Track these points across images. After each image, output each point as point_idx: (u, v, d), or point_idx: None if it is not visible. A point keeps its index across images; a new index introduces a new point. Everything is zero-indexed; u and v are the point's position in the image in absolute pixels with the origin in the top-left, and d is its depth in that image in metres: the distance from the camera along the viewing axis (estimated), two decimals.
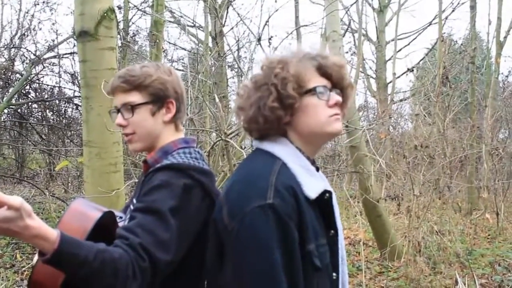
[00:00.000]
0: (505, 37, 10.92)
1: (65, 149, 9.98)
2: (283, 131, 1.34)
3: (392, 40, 13.45)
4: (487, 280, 4.82)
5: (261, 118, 1.31)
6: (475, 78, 9.85)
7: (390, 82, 13.53)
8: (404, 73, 13.71)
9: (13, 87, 9.78)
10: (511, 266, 5.30)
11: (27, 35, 11.07)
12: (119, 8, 8.65)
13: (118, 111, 1.51)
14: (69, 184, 9.76)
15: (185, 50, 12.17)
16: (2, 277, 4.80)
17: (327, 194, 1.32)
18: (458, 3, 11.88)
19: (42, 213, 7.42)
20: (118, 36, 6.59)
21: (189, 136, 1.73)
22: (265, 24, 5.69)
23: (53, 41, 11.17)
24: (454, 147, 8.53)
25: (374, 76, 14.60)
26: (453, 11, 12.24)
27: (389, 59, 13.74)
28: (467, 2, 10.73)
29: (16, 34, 11.43)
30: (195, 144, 1.56)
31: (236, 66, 11.38)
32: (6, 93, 9.70)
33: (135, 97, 1.48)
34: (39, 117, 11.02)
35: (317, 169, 1.39)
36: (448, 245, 5.43)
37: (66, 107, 10.96)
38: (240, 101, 1.39)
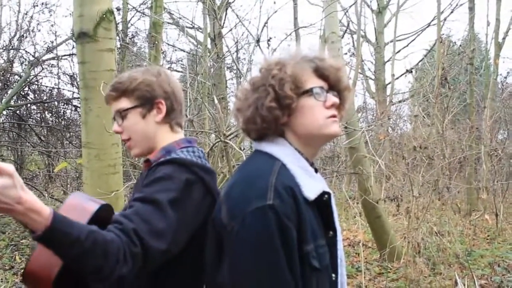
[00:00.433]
0: (504, 38, 10.94)
1: (64, 150, 9.97)
2: (281, 131, 1.35)
3: (391, 41, 13.47)
4: (486, 281, 4.82)
5: (259, 118, 1.32)
6: (473, 79, 9.86)
7: (389, 83, 13.55)
8: (403, 74, 13.72)
9: (12, 88, 9.76)
10: (510, 267, 5.30)
11: (26, 37, 11.03)
12: (118, 9, 8.65)
13: (115, 119, 1.55)
14: (68, 186, 9.75)
15: (184, 51, 12.15)
16: (1, 279, 4.79)
17: (326, 196, 1.32)
18: (457, 5, 11.97)
19: None
20: (117, 38, 6.59)
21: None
22: (264, 26, 5.71)
23: (52, 42, 11.14)
24: (453, 148, 8.54)
25: (373, 77, 14.63)
26: (451, 12, 12.32)
27: (388, 60, 13.77)
28: (465, 3, 10.74)
29: (15, 35, 11.38)
30: (196, 144, 1.57)
31: (235, 67, 11.39)
32: (5, 95, 9.69)
33: (124, 103, 1.52)
34: (38, 118, 11.00)
35: (316, 171, 1.40)
36: (447, 246, 5.43)
37: (65, 108, 10.94)
38: (238, 103, 1.40)
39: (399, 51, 13.89)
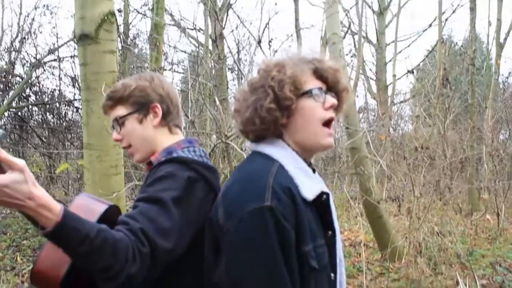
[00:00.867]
0: (505, 39, 10.96)
1: (66, 152, 9.98)
2: (279, 133, 1.35)
3: (392, 42, 13.49)
4: (488, 281, 4.82)
5: (258, 119, 1.32)
6: (475, 80, 9.85)
7: (390, 84, 13.56)
8: (404, 74, 13.78)
9: (14, 90, 9.79)
10: (511, 267, 5.30)
11: (28, 39, 11.06)
12: (120, 11, 8.68)
13: (113, 127, 1.57)
14: (70, 187, 9.76)
15: (185, 53, 12.20)
16: (3, 280, 4.80)
17: (325, 196, 1.33)
18: (458, 5, 11.96)
19: None
20: (118, 39, 6.61)
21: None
22: (265, 27, 5.72)
23: (54, 44, 11.17)
24: (455, 149, 8.53)
25: (374, 78, 14.62)
26: (453, 12, 12.37)
27: (389, 61, 13.78)
28: (467, 3, 10.75)
29: (16, 37, 11.42)
30: (197, 144, 1.58)
31: (236, 68, 11.39)
32: (7, 96, 9.72)
33: (120, 111, 1.53)
34: (40, 120, 11.02)
35: (314, 171, 1.40)
36: (449, 246, 5.42)
37: (66, 110, 10.97)
38: (236, 104, 1.40)
39: (400, 52, 13.93)
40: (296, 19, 12.28)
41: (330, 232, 1.34)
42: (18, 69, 11.06)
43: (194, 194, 1.36)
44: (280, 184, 1.23)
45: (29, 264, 5.30)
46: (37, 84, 10.50)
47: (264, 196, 1.20)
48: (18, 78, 10.56)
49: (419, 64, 14.71)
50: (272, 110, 1.30)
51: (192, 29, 11.20)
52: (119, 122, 1.53)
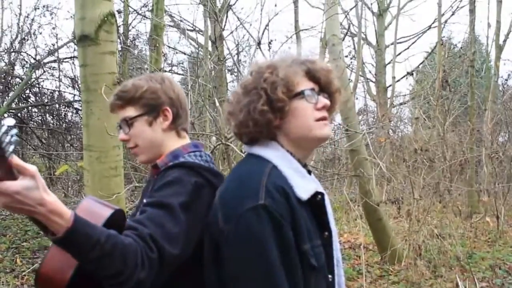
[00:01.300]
0: (505, 41, 10.97)
1: (65, 153, 9.97)
2: (273, 134, 1.36)
3: (392, 43, 13.49)
4: (487, 284, 4.82)
5: (251, 121, 1.32)
6: (474, 82, 9.86)
7: (390, 85, 13.56)
8: (404, 76, 13.75)
9: (13, 91, 9.78)
10: (511, 269, 5.30)
11: (27, 39, 11.05)
12: (119, 12, 8.68)
13: (120, 127, 1.55)
14: (69, 189, 9.75)
15: (185, 54, 12.15)
16: (2, 282, 4.79)
17: (319, 196, 1.33)
18: (458, 7, 11.94)
19: None
20: (118, 40, 6.60)
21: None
22: (265, 28, 5.73)
23: (53, 45, 11.15)
24: (454, 151, 8.54)
25: (373, 79, 14.64)
26: (452, 14, 12.32)
27: (389, 63, 13.79)
28: (466, 5, 10.78)
29: (16, 38, 11.40)
30: (203, 149, 1.58)
31: (236, 70, 11.38)
32: (6, 97, 9.70)
33: (130, 111, 1.51)
34: (39, 121, 11.01)
35: (309, 172, 1.40)
36: (448, 249, 5.42)
37: (66, 111, 10.96)
38: (230, 106, 1.40)
39: (399, 54, 13.92)
40: (296, 21, 12.29)
41: (326, 233, 1.34)
42: (18, 70, 11.05)
43: (201, 199, 1.36)
44: (274, 183, 1.24)
45: (29, 266, 5.28)
46: (37, 85, 10.49)
47: (258, 195, 1.21)
48: (17, 79, 10.55)
49: (418, 66, 14.70)
50: (265, 112, 1.31)
51: (191, 31, 11.23)
52: (128, 123, 1.51)
